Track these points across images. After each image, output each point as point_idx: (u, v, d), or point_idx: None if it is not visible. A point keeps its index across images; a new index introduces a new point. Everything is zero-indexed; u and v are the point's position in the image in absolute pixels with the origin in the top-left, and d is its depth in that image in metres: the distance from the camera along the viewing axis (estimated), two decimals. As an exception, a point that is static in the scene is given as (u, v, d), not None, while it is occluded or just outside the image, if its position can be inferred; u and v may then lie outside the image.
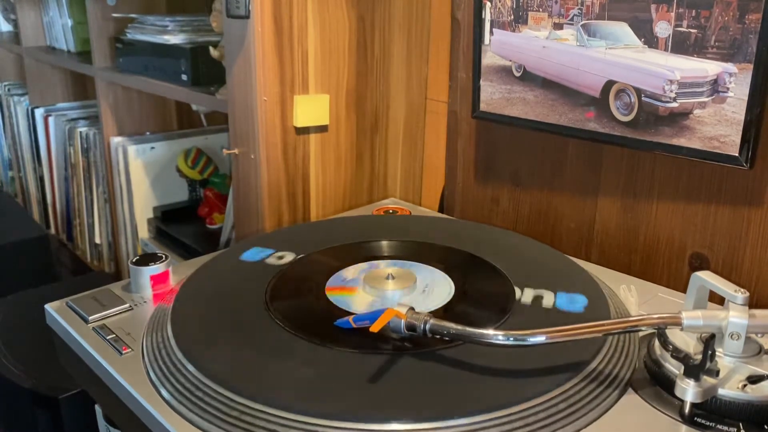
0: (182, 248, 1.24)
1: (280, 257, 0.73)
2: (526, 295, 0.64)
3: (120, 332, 0.63)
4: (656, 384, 0.53)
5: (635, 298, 0.68)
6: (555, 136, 0.85)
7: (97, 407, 0.75)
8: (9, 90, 2.02)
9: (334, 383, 0.51)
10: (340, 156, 0.97)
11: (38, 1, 1.76)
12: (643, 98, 0.71)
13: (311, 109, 0.90)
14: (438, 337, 0.53)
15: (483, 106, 0.88)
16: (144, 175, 1.34)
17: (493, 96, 0.86)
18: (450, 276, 0.69)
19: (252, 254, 0.74)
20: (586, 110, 0.77)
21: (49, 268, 1.54)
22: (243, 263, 0.72)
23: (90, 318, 0.65)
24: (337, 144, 0.96)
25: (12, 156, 2.12)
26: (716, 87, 0.66)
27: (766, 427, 0.48)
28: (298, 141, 0.91)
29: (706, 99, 0.67)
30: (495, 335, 0.50)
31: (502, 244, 0.77)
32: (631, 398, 0.52)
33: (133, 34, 1.24)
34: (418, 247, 0.76)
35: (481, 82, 0.87)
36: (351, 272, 0.70)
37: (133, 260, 0.71)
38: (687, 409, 0.50)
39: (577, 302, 0.63)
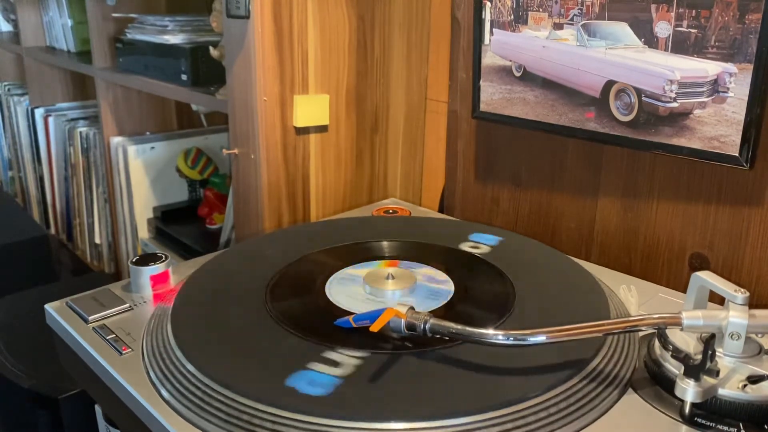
0: (182, 248, 1.24)
1: (475, 246, 0.77)
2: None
3: (120, 332, 0.62)
4: (656, 384, 0.53)
5: (635, 298, 0.68)
6: (555, 136, 0.85)
7: (97, 407, 0.75)
8: (9, 90, 2.02)
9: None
10: (340, 156, 0.97)
11: (38, 1, 1.76)
12: (643, 98, 0.71)
13: (311, 109, 0.90)
14: (438, 336, 0.53)
15: (483, 106, 0.88)
16: (144, 175, 1.34)
17: (493, 96, 0.86)
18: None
19: (476, 237, 0.80)
20: (586, 110, 0.77)
21: (49, 268, 1.54)
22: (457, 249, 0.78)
23: (90, 318, 0.65)
24: (337, 144, 0.96)
25: (12, 156, 2.12)
26: (716, 87, 0.66)
27: (766, 427, 0.48)
28: (298, 141, 0.91)
29: (706, 99, 0.67)
30: (495, 335, 0.50)
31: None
32: (631, 398, 0.52)
33: (133, 34, 1.24)
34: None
35: (481, 82, 0.87)
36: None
37: (133, 260, 0.71)
38: (687, 409, 0.50)
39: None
